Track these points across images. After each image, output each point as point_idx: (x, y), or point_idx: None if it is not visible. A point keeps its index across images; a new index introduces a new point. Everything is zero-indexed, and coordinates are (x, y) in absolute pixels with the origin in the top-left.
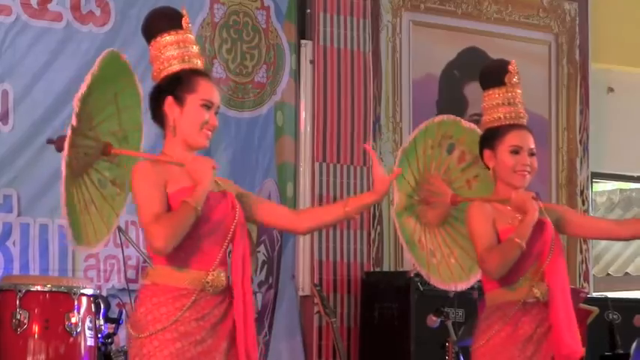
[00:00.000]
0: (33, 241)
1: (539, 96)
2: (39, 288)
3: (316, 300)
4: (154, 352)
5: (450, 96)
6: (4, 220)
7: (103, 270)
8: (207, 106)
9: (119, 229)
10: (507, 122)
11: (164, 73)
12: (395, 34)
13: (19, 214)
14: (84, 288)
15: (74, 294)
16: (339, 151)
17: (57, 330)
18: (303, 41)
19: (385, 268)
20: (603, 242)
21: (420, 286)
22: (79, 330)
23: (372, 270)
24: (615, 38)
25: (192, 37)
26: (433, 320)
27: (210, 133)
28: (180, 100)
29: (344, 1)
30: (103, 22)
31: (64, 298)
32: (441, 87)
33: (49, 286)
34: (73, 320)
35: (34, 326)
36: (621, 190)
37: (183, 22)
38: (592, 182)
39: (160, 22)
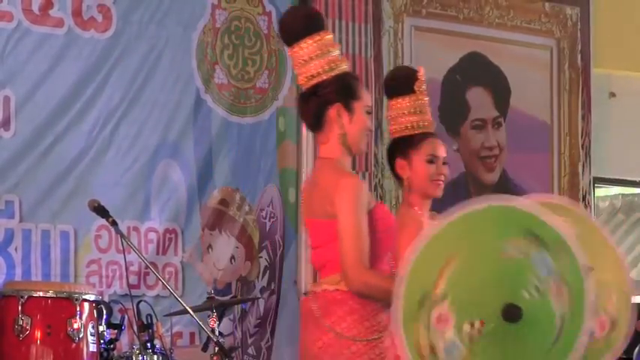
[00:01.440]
0: (35, 246)
1: (541, 101)
2: (41, 294)
3: None
4: None
5: (452, 101)
6: (5, 226)
7: (105, 276)
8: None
9: (121, 234)
10: (419, 131)
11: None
12: (397, 40)
13: (20, 220)
14: (86, 294)
15: (76, 300)
16: None
17: (59, 336)
18: None
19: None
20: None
21: None
22: (81, 336)
23: None
24: (617, 43)
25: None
26: None
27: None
28: (349, 109)
29: (345, 6)
30: (105, 28)
31: (66, 304)
32: (443, 92)
33: (51, 292)
34: (75, 326)
35: (36, 332)
36: (623, 196)
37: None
38: (594, 187)
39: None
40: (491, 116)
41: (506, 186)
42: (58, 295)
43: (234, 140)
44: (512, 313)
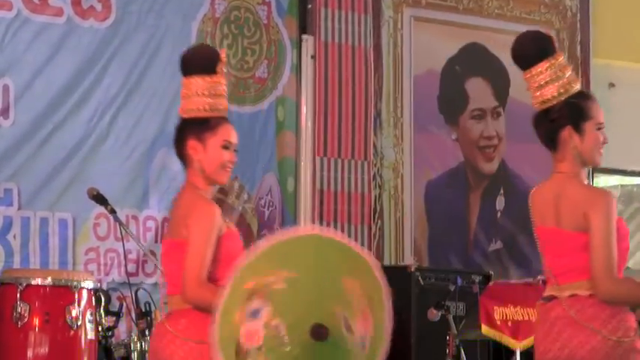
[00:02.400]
0: (33, 234)
1: None
2: (39, 281)
3: None
4: None
5: (451, 91)
6: (4, 213)
7: (103, 263)
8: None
9: (120, 222)
10: (217, 114)
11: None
12: (396, 30)
13: (19, 208)
14: (84, 281)
15: (74, 287)
16: (340, 146)
17: (57, 323)
18: (304, 36)
19: (386, 262)
20: None
21: (421, 280)
22: (79, 323)
23: None
24: (616, 34)
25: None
26: (434, 314)
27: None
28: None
29: None
30: (104, 17)
31: (65, 292)
32: (442, 82)
33: (49, 279)
34: (74, 314)
35: (34, 319)
36: (622, 186)
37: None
38: (593, 177)
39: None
40: (491, 106)
41: (504, 175)
42: (57, 283)
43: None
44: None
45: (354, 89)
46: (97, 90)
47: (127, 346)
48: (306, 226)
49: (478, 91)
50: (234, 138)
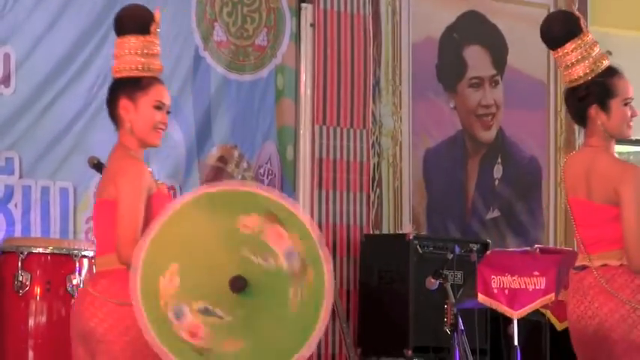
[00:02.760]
0: (34, 203)
1: (538, 60)
2: (41, 250)
3: None
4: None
5: (449, 59)
6: (5, 182)
7: None
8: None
9: None
10: (149, 74)
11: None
12: None
13: (20, 177)
14: (85, 250)
15: (75, 256)
16: (339, 114)
17: (58, 292)
18: (303, 4)
19: (384, 231)
20: None
21: (419, 249)
22: None
23: (371, 232)
24: (614, 1)
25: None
26: (432, 282)
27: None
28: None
29: None
30: None
31: (66, 260)
32: (440, 50)
33: (50, 248)
34: (75, 282)
35: (35, 288)
36: (619, 153)
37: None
38: None
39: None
40: (489, 74)
41: (502, 144)
42: (58, 252)
43: (233, 98)
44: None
45: (352, 57)
46: (98, 58)
47: None
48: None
49: (476, 59)
50: (166, 99)
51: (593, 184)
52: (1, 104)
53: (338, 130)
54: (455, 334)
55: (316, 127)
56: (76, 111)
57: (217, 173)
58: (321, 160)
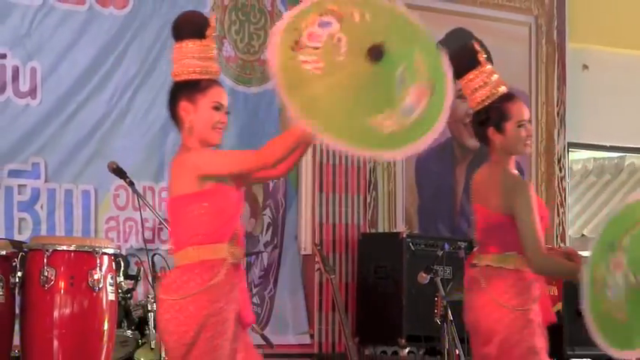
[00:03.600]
0: (59, 204)
1: (521, 73)
2: (65, 247)
3: (317, 258)
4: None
5: None
6: (32, 185)
7: (122, 231)
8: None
9: (137, 194)
10: (207, 77)
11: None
12: None
13: (46, 180)
14: (105, 248)
15: (96, 253)
16: None
17: (81, 286)
18: None
19: (380, 230)
20: (579, 205)
21: (412, 246)
22: (101, 286)
23: (367, 231)
24: (590, 20)
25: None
26: (423, 277)
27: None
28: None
29: None
30: (123, 5)
31: (88, 257)
32: None
33: (73, 246)
34: (96, 277)
35: (60, 282)
36: (595, 159)
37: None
38: (568, 151)
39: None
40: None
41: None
42: (80, 249)
43: (241, 108)
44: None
45: None
46: (117, 72)
47: (145, 307)
48: None
49: None
50: (224, 99)
51: (490, 193)
52: (28, 114)
53: None
54: (444, 324)
55: None
56: (97, 120)
57: None
58: (321, 165)
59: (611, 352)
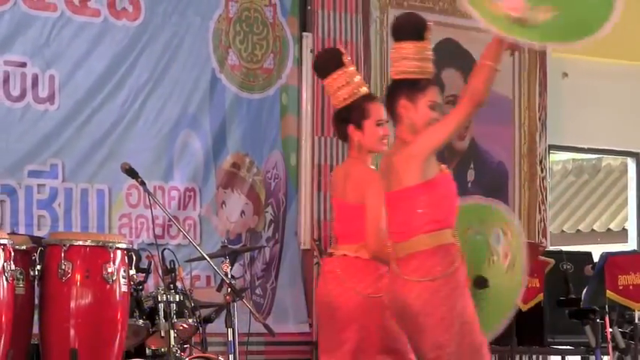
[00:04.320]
0: (75, 203)
1: (505, 80)
2: (81, 243)
3: (315, 253)
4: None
5: None
6: (50, 185)
7: (134, 227)
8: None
9: (148, 192)
10: (425, 76)
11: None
12: (382, 28)
13: (63, 180)
14: (118, 243)
15: (110, 248)
16: None
17: (96, 279)
18: (304, 33)
19: None
20: (559, 203)
21: None
22: (114, 278)
23: None
24: None
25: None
26: None
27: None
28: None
29: None
30: (135, 17)
31: (102, 252)
32: None
33: (89, 241)
34: (110, 270)
35: (76, 275)
36: (574, 160)
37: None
38: (549, 153)
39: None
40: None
41: (474, 152)
42: (95, 244)
43: (244, 113)
44: (481, 283)
45: None
46: (129, 79)
47: (155, 298)
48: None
49: (452, 80)
50: (439, 98)
51: (347, 187)
52: (47, 119)
53: (334, 140)
54: None
55: (316, 138)
56: (111, 124)
57: (231, 177)
58: (320, 165)
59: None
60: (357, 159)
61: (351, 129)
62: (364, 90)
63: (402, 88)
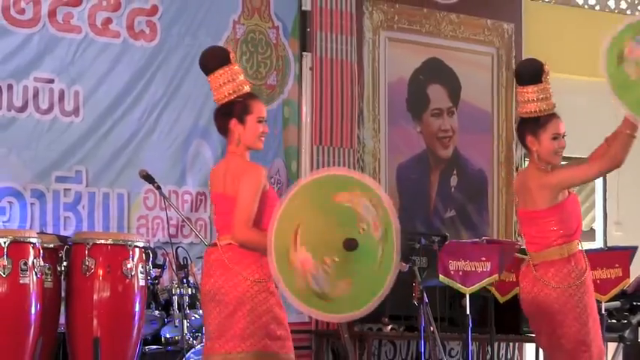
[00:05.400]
0: (97, 205)
1: (485, 95)
2: (102, 241)
3: None
4: None
5: (416, 95)
6: (75, 189)
7: (151, 228)
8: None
9: (163, 196)
10: (546, 113)
11: (225, 100)
12: (374, 48)
13: (87, 185)
14: (137, 241)
15: (129, 246)
16: (331, 137)
17: (116, 274)
18: (304, 53)
19: None
20: None
21: None
22: (133, 274)
23: None
24: (542, 51)
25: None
26: (403, 266)
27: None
28: (242, 121)
29: (335, 22)
30: (151, 38)
31: (122, 249)
32: (409, 88)
33: (110, 240)
34: (129, 266)
35: (99, 271)
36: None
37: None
38: (524, 160)
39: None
40: (447, 106)
41: (457, 159)
42: (116, 243)
43: None
44: (350, 245)
45: (342, 93)
46: (146, 94)
47: (170, 291)
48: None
49: (437, 94)
50: (562, 129)
51: (227, 180)
52: (72, 130)
53: (331, 149)
54: (421, 305)
55: (314, 147)
56: (130, 134)
57: None
58: (318, 168)
59: None
60: (234, 153)
61: (234, 123)
62: (247, 88)
63: (528, 126)
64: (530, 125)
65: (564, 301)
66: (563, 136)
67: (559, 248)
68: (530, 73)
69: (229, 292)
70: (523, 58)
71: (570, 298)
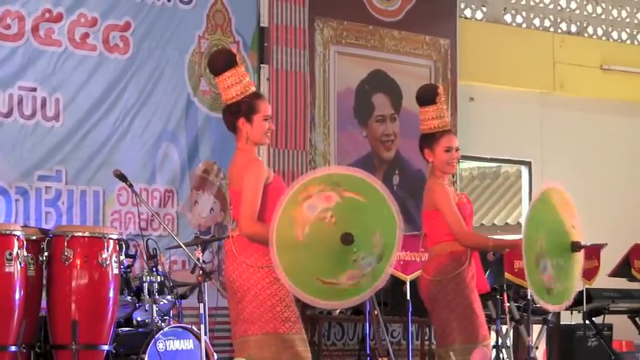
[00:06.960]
0: (76, 201)
1: None
2: (80, 234)
3: None
4: None
5: (362, 103)
6: (56, 187)
7: (123, 222)
8: (266, 118)
9: (135, 193)
10: (440, 129)
11: (233, 101)
12: (325, 60)
13: (66, 183)
14: (111, 234)
15: (104, 238)
16: (286, 140)
17: (93, 263)
18: (262, 65)
19: None
20: (478, 202)
21: None
22: (107, 263)
23: None
24: (475, 64)
25: (244, 69)
26: None
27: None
28: (249, 119)
29: (290, 37)
30: (125, 51)
31: (98, 241)
32: (356, 97)
33: (87, 232)
34: (104, 256)
35: (77, 260)
36: (478, 168)
37: (237, 60)
38: (459, 162)
39: (221, 63)
40: (389, 113)
41: (399, 161)
42: (92, 235)
43: (214, 129)
44: (347, 239)
45: (296, 101)
46: (120, 101)
47: (140, 279)
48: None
49: (381, 102)
50: (454, 143)
51: (236, 175)
52: (53, 133)
53: (286, 151)
54: None
55: (271, 149)
56: (105, 137)
57: (202, 181)
58: (274, 172)
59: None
60: (243, 150)
61: (242, 121)
62: (253, 89)
63: (426, 141)
64: (428, 140)
65: (438, 290)
66: (456, 149)
67: (444, 244)
68: (429, 95)
69: (236, 279)
70: (456, 70)
71: (443, 288)
